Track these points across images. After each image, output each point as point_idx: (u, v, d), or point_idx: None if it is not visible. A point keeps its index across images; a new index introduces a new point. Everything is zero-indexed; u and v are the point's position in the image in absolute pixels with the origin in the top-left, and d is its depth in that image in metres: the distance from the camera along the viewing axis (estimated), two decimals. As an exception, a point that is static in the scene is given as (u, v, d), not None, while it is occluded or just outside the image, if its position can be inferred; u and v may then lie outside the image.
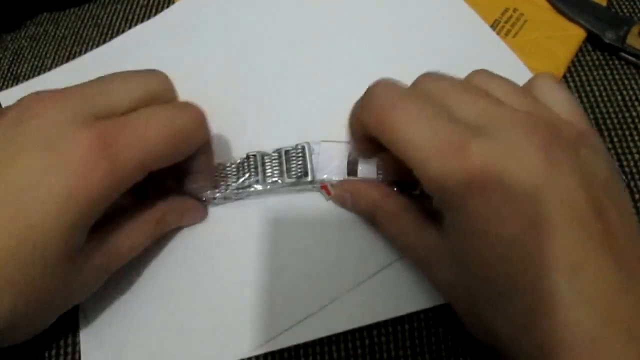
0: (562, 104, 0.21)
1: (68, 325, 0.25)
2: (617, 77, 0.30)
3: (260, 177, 0.26)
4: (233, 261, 0.26)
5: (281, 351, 0.24)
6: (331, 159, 0.27)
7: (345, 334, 0.24)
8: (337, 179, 0.26)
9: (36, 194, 0.19)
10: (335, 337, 0.24)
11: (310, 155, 0.26)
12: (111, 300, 0.25)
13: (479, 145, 0.19)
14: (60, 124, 0.20)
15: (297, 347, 0.24)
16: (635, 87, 0.29)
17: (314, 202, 0.27)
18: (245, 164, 0.27)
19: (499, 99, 0.21)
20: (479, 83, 0.22)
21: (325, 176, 0.26)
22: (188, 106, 0.23)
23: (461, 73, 0.23)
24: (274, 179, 0.26)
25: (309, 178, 0.26)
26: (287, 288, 0.25)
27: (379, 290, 0.25)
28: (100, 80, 0.23)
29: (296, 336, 0.24)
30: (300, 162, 0.26)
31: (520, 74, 0.28)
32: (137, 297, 0.25)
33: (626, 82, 0.30)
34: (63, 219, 0.19)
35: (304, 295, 0.25)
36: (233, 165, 0.27)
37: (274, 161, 0.27)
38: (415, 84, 0.22)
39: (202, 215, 0.27)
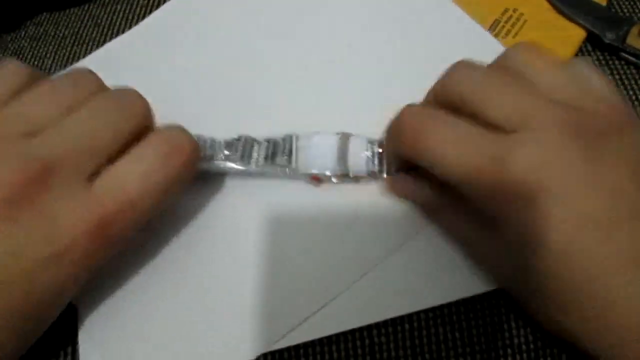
0: (601, 87, 0.21)
1: (68, 325, 0.25)
2: (617, 77, 0.30)
3: (246, 157, 0.26)
4: (232, 262, 0.26)
5: (281, 351, 0.24)
6: (323, 151, 0.26)
7: (345, 334, 0.24)
8: (328, 173, 0.26)
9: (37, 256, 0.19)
10: (335, 337, 0.24)
11: (297, 144, 0.27)
12: (110, 302, 0.25)
13: (516, 159, 0.18)
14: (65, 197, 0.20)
15: (297, 347, 0.24)
16: (635, 87, 0.29)
17: (313, 200, 0.27)
18: (235, 142, 0.27)
19: (533, 86, 0.20)
20: (515, 63, 0.21)
21: (315, 170, 0.26)
22: (175, 152, 0.22)
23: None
24: (259, 164, 0.26)
25: (293, 165, 0.26)
26: (287, 288, 0.25)
27: (379, 290, 0.25)
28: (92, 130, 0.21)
29: (296, 336, 0.24)
30: (286, 151, 0.26)
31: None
32: (136, 298, 0.25)
33: (626, 82, 0.30)
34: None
35: (304, 295, 0.25)
36: (223, 142, 0.27)
37: (262, 147, 0.27)
38: (443, 89, 0.22)
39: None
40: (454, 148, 0.20)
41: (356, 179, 0.27)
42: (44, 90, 0.22)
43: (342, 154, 0.26)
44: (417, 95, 0.25)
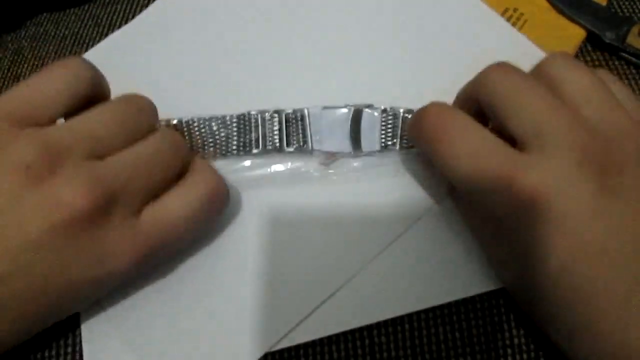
0: (633, 109, 0.20)
1: (68, 325, 0.25)
2: (617, 77, 0.30)
3: (261, 139, 0.27)
4: (230, 264, 0.26)
5: (281, 351, 0.24)
6: (332, 127, 0.27)
7: (345, 334, 0.24)
8: (338, 150, 0.26)
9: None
10: (335, 337, 0.24)
11: (310, 123, 0.27)
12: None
13: (525, 181, 0.19)
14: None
15: (297, 347, 0.24)
16: (635, 87, 0.29)
17: (311, 199, 0.27)
18: (247, 121, 0.27)
19: (562, 101, 0.20)
20: (552, 73, 0.21)
21: (326, 147, 0.27)
22: (214, 196, 0.24)
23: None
24: (275, 142, 0.27)
25: (309, 147, 0.27)
26: (287, 287, 0.25)
27: (379, 290, 0.25)
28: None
29: (296, 336, 0.24)
30: (301, 129, 0.27)
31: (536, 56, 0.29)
32: (136, 300, 0.25)
33: (626, 82, 0.30)
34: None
35: (304, 293, 0.25)
36: (234, 120, 0.27)
37: (274, 123, 0.27)
38: (473, 89, 0.22)
39: None
40: (467, 157, 0.20)
41: (370, 153, 0.27)
42: (110, 113, 0.22)
43: (355, 130, 0.26)
44: (424, 66, 0.26)
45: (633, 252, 0.18)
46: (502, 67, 0.22)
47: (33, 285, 0.19)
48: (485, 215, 0.23)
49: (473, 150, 0.20)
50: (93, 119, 0.22)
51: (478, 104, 0.22)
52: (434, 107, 0.22)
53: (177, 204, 0.22)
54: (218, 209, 0.24)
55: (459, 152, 0.20)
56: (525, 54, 0.29)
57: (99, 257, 0.20)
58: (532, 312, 0.22)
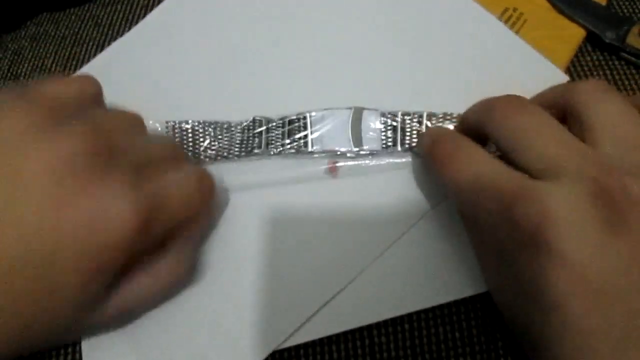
0: None
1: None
2: (617, 77, 0.30)
3: (263, 141, 0.27)
4: (231, 265, 0.26)
5: (281, 351, 0.24)
6: (333, 127, 0.27)
7: (345, 333, 0.24)
8: (343, 149, 0.27)
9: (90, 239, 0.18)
10: (335, 337, 0.24)
11: (311, 125, 0.27)
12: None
13: (534, 199, 0.18)
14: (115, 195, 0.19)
15: (297, 347, 0.24)
16: (635, 87, 0.29)
17: (310, 200, 0.27)
18: (251, 126, 0.28)
19: (583, 132, 0.20)
20: (578, 101, 0.21)
21: (327, 147, 0.27)
22: (204, 177, 0.23)
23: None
24: (278, 146, 0.27)
25: (309, 149, 0.27)
26: (288, 289, 0.25)
27: (379, 290, 0.25)
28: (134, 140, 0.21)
29: (296, 336, 0.24)
30: (303, 132, 0.27)
31: (538, 65, 0.29)
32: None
33: (626, 82, 0.30)
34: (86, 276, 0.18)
35: (305, 295, 0.25)
36: (239, 127, 0.28)
37: (278, 128, 0.27)
38: (481, 119, 0.22)
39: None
40: (473, 177, 0.20)
41: (372, 154, 0.27)
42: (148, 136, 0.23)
43: (356, 130, 0.27)
44: (423, 68, 0.26)
45: (633, 293, 0.17)
46: (511, 103, 0.21)
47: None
48: (488, 240, 0.22)
49: (479, 170, 0.20)
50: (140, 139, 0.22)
51: (484, 132, 0.22)
52: (445, 136, 0.23)
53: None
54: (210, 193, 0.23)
55: (465, 175, 0.21)
56: (522, 56, 0.30)
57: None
58: (523, 339, 0.21)
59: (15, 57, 0.34)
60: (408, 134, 0.27)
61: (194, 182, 0.22)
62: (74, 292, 0.18)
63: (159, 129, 0.28)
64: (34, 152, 0.18)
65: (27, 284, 0.17)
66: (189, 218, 0.22)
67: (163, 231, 0.21)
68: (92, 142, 0.18)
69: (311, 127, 0.27)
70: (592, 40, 0.31)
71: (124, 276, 0.20)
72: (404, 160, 0.27)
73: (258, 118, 0.28)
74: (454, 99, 0.27)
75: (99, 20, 0.35)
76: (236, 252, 0.26)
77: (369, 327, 0.24)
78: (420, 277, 0.25)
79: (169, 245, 0.22)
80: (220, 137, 0.28)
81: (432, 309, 0.25)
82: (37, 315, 0.18)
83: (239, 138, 0.28)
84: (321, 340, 0.24)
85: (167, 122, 0.28)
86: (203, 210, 0.23)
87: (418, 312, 0.25)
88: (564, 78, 0.29)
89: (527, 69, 0.29)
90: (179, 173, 0.22)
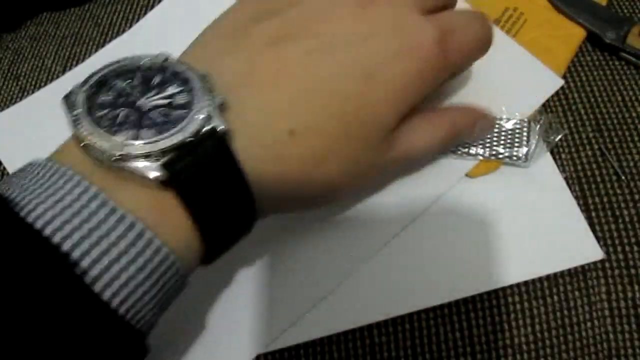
0: None
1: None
2: (617, 77, 0.30)
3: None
4: (227, 262, 0.26)
5: (281, 351, 0.24)
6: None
7: (345, 333, 0.24)
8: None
9: (384, 74, 0.20)
10: (335, 337, 0.24)
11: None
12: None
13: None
14: (405, 12, 0.21)
15: (297, 347, 0.24)
16: (635, 87, 0.29)
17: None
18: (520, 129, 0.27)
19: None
20: None
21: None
22: (484, 19, 0.24)
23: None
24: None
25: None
26: (283, 287, 0.25)
27: (378, 290, 0.25)
28: None
29: (296, 336, 0.24)
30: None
31: (533, 68, 0.29)
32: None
33: (626, 82, 0.30)
34: (397, 101, 0.21)
35: (301, 292, 0.25)
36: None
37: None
38: None
39: (490, 127, 0.27)
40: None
41: None
42: None
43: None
44: None
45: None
46: None
47: None
48: None
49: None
50: None
51: None
52: None
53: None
54: None
55: None
56: (518, 60, 0.30)
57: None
58: None
59: (15, 57, 0.34)
60: None
61: (480, 20, 0.23)
62: (382, 119, 0.21)
63: None
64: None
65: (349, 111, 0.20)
66: (474, 57, 0.24)
67: (454, 61, 0.22)
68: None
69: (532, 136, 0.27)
70: (592, 40, 0.31)
71: (405, 121, 0.22)
72: None
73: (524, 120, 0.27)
74: (448, 102, 0.27)
75: (99, 20, 0.35)
76: (231, 250, 0.26)
77: (369, 327, 0.24)
78: (420, 277, 0.25)
79: None
80: None
81: (432, 309, 0.25)
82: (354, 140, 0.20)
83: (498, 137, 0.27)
84: (321, 340, 0.24)
85: None
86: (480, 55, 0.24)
87: (418, 312, 0.25)
88: (559, 82, 0.29)
89: (522, 72, 0.29)
90: (463, 14, 0.24)
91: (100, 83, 0.18)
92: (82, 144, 0.17)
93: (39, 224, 0.15)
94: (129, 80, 0.19)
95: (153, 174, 0.16)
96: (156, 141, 0.17)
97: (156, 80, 0.19)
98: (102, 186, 0.16)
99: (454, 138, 0.25)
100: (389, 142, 0.21)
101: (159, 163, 0.16)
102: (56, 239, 0.15)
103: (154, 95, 0.18)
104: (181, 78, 0.18)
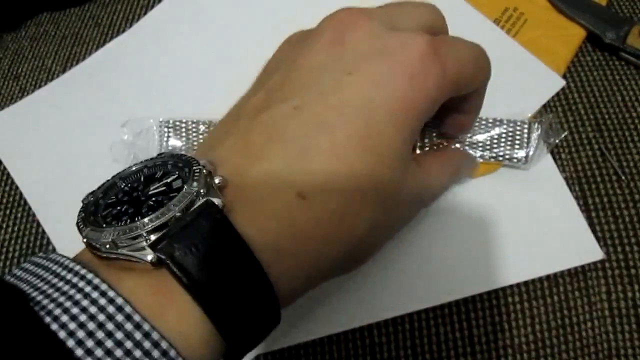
0: None
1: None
2: (617, 77, 0.30)
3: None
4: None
5: (281, 351, 0.24)
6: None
7: (345, 333, 0.24)
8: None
9: (380, 100, 0.19)
10: (335, 337, 0.24)
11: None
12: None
13: None
14: (382, 34, 0.20)
15: (297, 347, 0.24)
16: (635, 87, 0.29)
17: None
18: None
19: None
20: None
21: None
22: (476, 44, 0.23)
23: None
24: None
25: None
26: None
27: (379, 290, 0.25)
28: (389, 4, 0.22)
29: (296, 336, 0.24)
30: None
31: (534, 68, 0.29)
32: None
33: (626, 82, 0.30)
34: (403, 123, 0.19)
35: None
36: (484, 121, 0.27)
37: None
38: None
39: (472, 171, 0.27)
40: None
41: None
42: None
43: None
44: None
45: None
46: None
47: None
48: None
49: None
50: None
51: None
52: None
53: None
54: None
55: None
56: (518, 60, 0.30)
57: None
58: None
59: (15, 57, 0.34)
60: None
61: (477, 47, 0.22)
62: (391, 140, 0.19)
63: (154, 127, 0.28)
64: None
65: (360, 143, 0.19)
66: (472, 83, 0.22)
67: (452, 69, 0.21)
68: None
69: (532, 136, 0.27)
70: (592, 40, 0.31)
71: (417, 162, 0.22)
72: None
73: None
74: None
75: (99, 20, 0.35)
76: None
77: (369, 327, 0.24)
78: (420, 277, 0.25)
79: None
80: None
81: (432, 309, 0.25)
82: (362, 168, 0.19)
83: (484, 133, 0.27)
84: (321, 340, 0.24)
85: (161, 120, 0.28)
86: (481, 89, 0.24)
87: (418, 312, 0.25)
88: (560, 81, 0.29)
89: (523, 72, 0.29)
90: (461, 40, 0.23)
91: (108, 188, 0.18)
92: (83, 240, 0.16)
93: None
94: (135, 183, 0.19)
95: (149, 256, 0.15)
96: (145, 223, 0.16)
97: (159, 174, 0.19)
98: (105, 276, 0.15)
99: (453, 183, 0.26)
100: (406, 180, 0.20)
101: (147, 244, 0.16)
102: (54, 326, 0.14)
103: (154, 187, 0.18)
104: (179, 167, 0.18)
